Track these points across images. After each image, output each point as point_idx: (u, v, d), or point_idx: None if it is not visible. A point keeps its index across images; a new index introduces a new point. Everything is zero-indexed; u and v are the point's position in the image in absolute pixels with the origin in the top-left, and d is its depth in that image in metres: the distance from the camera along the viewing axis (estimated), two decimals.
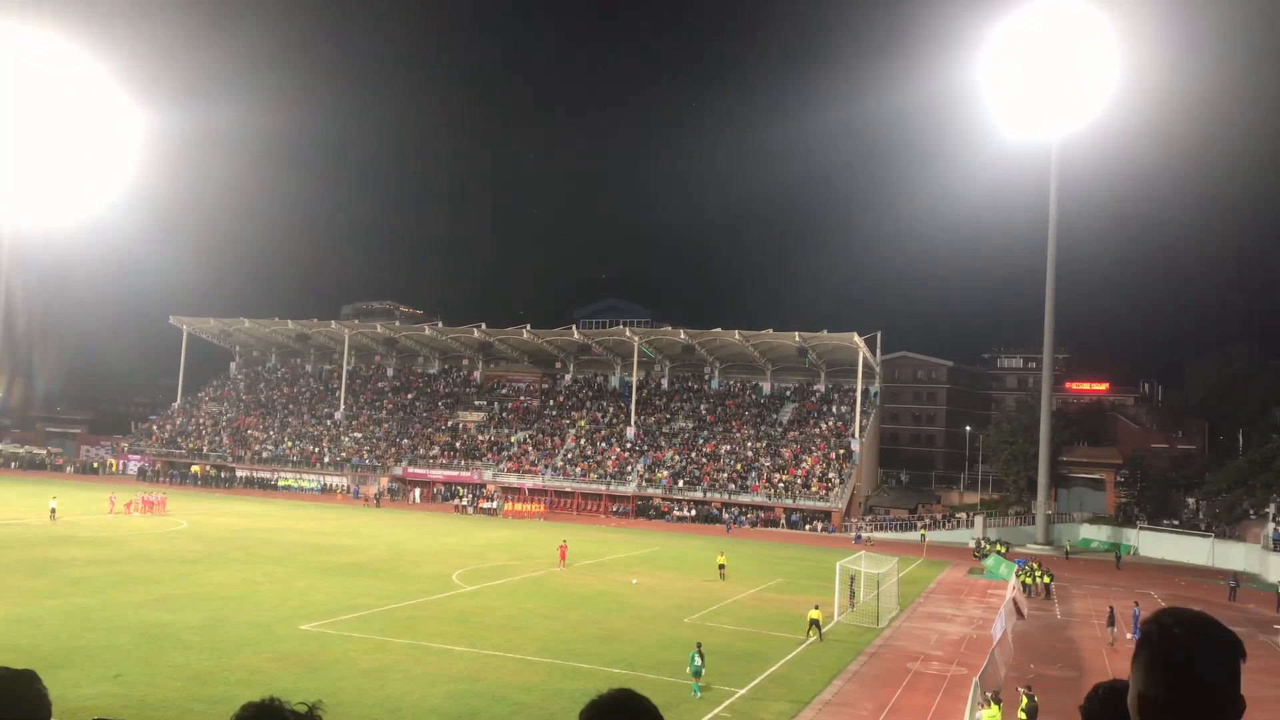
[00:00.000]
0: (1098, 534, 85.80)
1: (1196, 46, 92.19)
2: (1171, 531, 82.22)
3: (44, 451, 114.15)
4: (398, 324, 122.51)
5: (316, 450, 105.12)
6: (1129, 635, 38.02)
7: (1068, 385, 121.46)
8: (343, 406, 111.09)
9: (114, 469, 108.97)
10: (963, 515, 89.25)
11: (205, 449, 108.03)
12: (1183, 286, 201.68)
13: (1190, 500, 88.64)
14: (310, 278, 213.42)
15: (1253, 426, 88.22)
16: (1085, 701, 2.74)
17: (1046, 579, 52.74)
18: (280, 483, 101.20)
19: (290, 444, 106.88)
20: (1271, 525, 70.14)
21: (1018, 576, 50.29)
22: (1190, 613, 2.29)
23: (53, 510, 59.03)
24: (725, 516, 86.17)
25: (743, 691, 26.83)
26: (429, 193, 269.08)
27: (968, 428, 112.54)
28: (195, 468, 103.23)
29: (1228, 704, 2.18)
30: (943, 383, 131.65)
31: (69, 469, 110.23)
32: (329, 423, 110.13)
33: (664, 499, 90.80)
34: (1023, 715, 23.60)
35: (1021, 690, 24.60)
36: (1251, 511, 77.50)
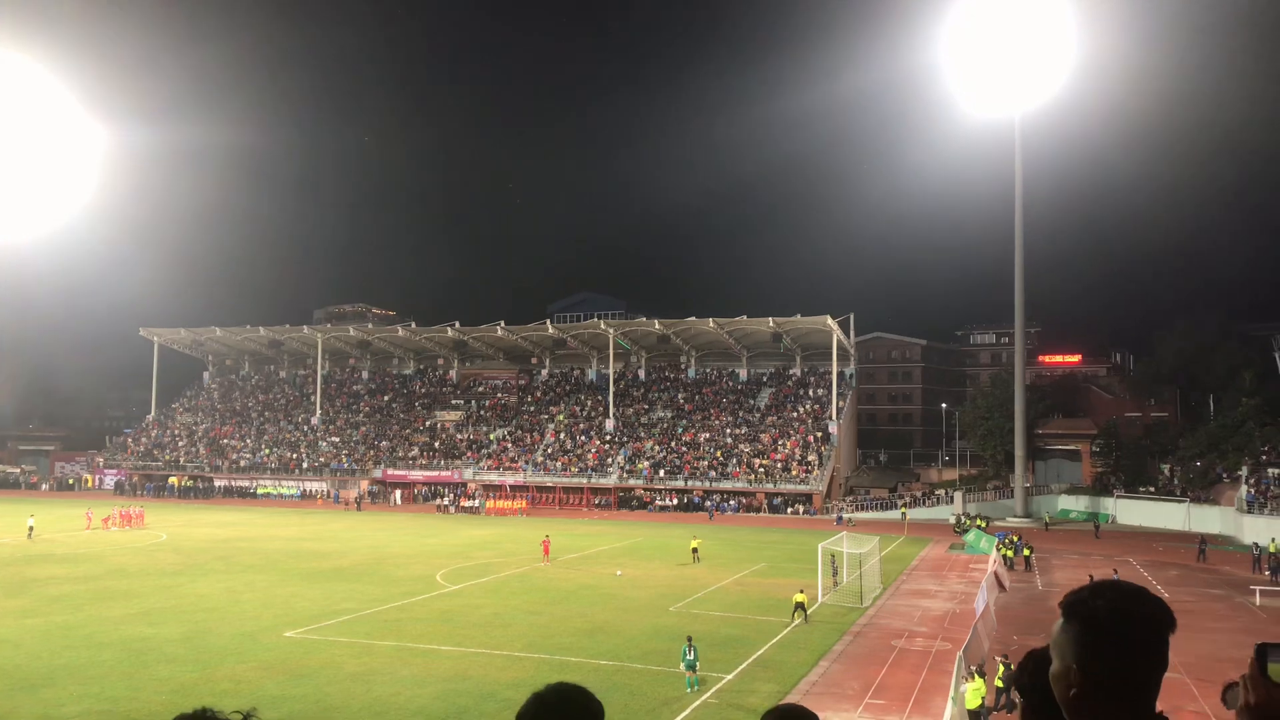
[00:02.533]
0: (1076, 504, 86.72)
1: (1151, 18, 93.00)
2: (1148, 499, 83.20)
3: (17, 470, 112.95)
4: (371, 326, 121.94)
5: (294, 456, 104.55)
6: None
7: (1041, 358, 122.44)
8: (319, 411, 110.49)
9: (90, 484, 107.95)
10: (942, 492, 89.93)
11: (182, 460, 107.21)
12: (1149, 256, 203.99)
13: (1165, 467, 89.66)
14: (281, 284, 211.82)
15: (1222, 391, 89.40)
16: (1017, 670, 2.79)
17: (1027, 551, 53.24)
18: (259, 490, 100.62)
19: (268, 451, 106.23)
20: (1244, 488, 71.18)
21: (998, 550, 50.75)
22: (1119, 585, 2.32)
23: (30, 528, 58.45)
24: (708, 504, 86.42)
25: (729, 677, 26.98)
26: (396, 194, 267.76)
27: (943, 405, 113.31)
28: (173, 479, 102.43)
29: (1154, 673, 2.24)
30: (917, 361, 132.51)
31: (44, 486, 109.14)
32: (306, 428, 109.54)
33: (645, 489, 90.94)
34: (1000, 684, 23.93)
35: (1000, 659, 24.93)
36: (1224, 475, 78.59)
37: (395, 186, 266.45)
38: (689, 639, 26.30)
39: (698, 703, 24.40)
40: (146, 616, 34.06)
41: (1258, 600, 42.08)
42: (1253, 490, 70.35)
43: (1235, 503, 71.79)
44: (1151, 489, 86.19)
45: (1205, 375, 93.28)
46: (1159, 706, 2.29)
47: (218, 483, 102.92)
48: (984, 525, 67.89)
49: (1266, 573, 50.13)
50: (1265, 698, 2.07)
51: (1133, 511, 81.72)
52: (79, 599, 37.40)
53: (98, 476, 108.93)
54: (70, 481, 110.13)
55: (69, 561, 48.47)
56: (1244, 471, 73.03)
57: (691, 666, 25.51)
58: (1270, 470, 71.42)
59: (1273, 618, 38.13)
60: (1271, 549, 52.44)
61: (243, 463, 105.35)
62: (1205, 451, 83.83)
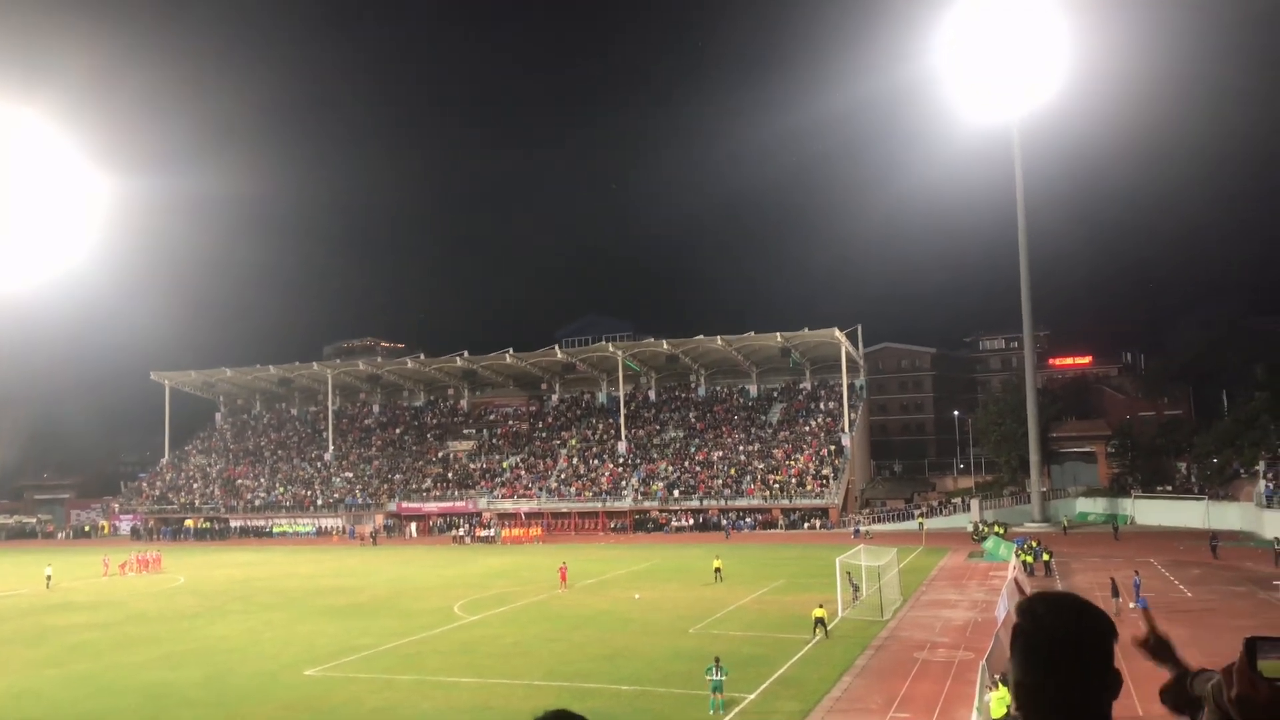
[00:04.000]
0: (1093, 506, 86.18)
1: (1147, 17, 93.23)
2: (1166, 498, 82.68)
3: (33, 519, 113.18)
4: (380, 360, 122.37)
5: (309, 493, 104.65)
6: (1131, 605, 38.20)
7: (1051, 361, 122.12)
8: (331, 447, 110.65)
9: (106, 531, 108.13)
10: (958, 500, 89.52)
11: (197, 502, 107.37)
12: (1154, 255, 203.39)
13: (1181, 465, 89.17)
14: (289, 322, 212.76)
15: (1235, 386, 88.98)
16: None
17: (1046, 556, 52.89)
18: (275, 529, 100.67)
19: (282, 489, 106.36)
20: (1263, 482, 70.65)
21: (1017, 556, 50.46)
22: (1058, 597, 2.32)
23: (48, 578, 58.50)
24: (723, 522, 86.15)
25: (752, 696, 26.80)
26: (399, 228, 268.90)
27: (956, 412, 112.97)
28: (189, 522, 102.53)
29: (1099, 685, 2.23)
30: (927, 370, 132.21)
31: (60, 535, 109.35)
32: (319, 465, 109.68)
33: (661, 511, 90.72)
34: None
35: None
36: (1242, 471, 78.04)
37: (398, 220, 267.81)
38: (716, 659, 25.85)
39: None
40: (167, 660, 34.04)
41: None
42: (1271, 485, 69.81)
43: (1254, 498, 71.23)
44: (1169, 488, 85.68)
45: (1217, 371, 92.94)
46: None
47: (233, 523, 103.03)
48: (1002, 532, 67.48)
49: None
50: (1248, 690, 2.09)
51: (1151, 511, 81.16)
52: (99, 646, 37.40)
53: (114, 522, 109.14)
54: (86, 529, 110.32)
55: (87, 609, 48.49)
56: (1261, 466, 72.51)
57: (719, 688, 25.18)
58: None
59: None
60: None
61: (258, 502, 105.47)
62: (1221, 448, 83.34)
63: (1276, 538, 55.52)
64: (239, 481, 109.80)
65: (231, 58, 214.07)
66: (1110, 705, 2.24)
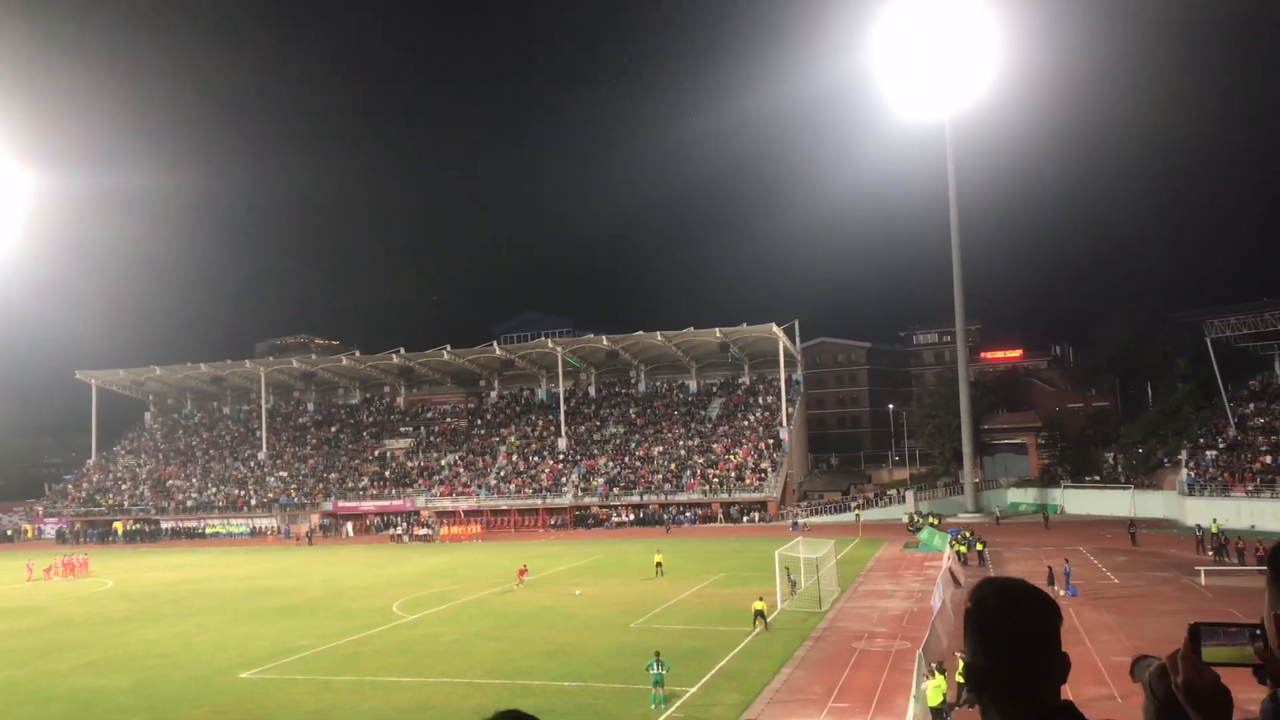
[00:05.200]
0: (1025, 497, 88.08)
1: (1071, 20, 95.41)
2: (1094, 487, 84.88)
3: None
4: (314, 357, 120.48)
5: (242, 494, 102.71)
6: (1062, 593, 39.14)
7: (983, 355, 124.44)
8: (265, 446, 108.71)
9: (30, 534, 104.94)
10: (894, 492, 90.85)
11: (126, 504, 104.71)
12: (1082, 250, 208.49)
13: (1109, 455, 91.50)
14: (220, 319, 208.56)
15: (1159, 379, 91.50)
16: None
17: (980, 546, 53.95)
18: (208, 530, 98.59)
19: (215, 490, 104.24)
20: (1185, 471, 72.86)
21: (952, 546, 51.25)
22: (1006, 583, 2.39)
23: None
24: (664, 517, 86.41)
25: (694, 690, 26.94)
26: (332, 224, 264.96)
27: (891, 406, 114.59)
28: (117, 524, 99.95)
29: (1046, 667, 2.30)
30: (863, 364, 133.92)
31: None
32: (253, 464, 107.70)
33: (601, 507, 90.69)
34: (960, 679, 24.16)
35: (959, 655, 25.15)
36: (1165, 460, 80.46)
37: (333, 216, 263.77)
38: (656, 654, 25.96)
39: (663, 718, 24.33)
40: (95, 667, 33.18)
41: (1203, 580, 43.04)
42: (1192, 473, 72.03)
43: (1177, 486, 73.45)
44: (1097, 477, 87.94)
45: (1142, 363, 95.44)
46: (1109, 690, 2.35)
47: (164, 525, 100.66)
48: (936, 523, 68.67)
49: (1210, 553, 51.32)
50: (1192, 676, 2.15)
51: (1080, 500, 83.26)
52: (23, 654, 36.30)
53: (37, 526, 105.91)
54: (9, 533, 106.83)
55: (10, 615, 47.04)
56: (1183, 455, 74.77)
57: (660, 682, 25.28)
58: (1208, 453, 73.20)
59: (1218, 597, 39.02)
60: (1214, 530, 53.72)
61: (189, 503, 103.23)
62: (1146, 438, 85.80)
63: (1198, 524, 57.34)
64: (170, 482, 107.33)
65: (162, 50, 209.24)
66: (1058, 687, 2.30)
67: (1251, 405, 76.27)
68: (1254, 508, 64.88)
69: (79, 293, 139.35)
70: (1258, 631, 2.21)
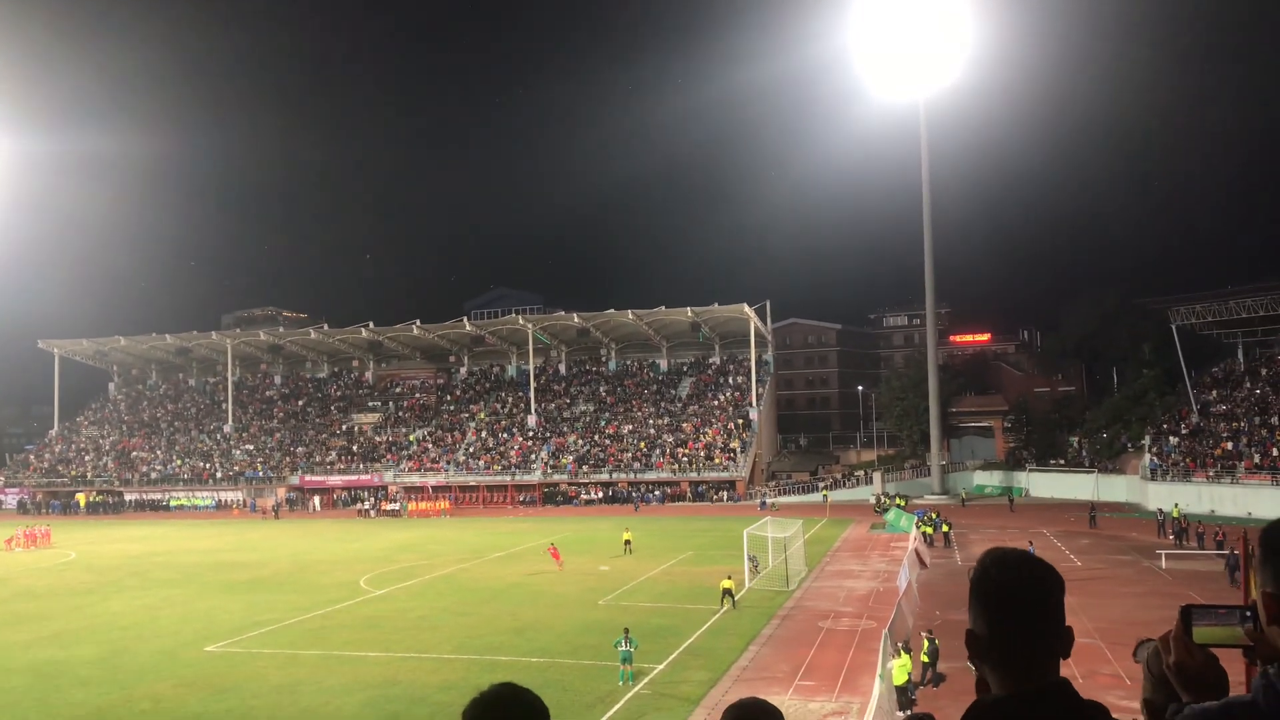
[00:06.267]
0: (990, 479, 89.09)
1: (1046, 4, 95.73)
2: (1058, 471, 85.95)
3: None
4: (282, 330, 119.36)
5: (208, 466, 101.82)
6: None
7: (951, 338, 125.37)
8: (231, 419, 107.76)
9: None
10: (861, 473, 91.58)
11: (89, 475, 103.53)
12: (1051, 235, 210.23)
13: (1074, 439, 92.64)
14: (187, 290, 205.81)
15: (1124, 364, 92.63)
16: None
17: (946, 528, 54.50)
18: (173, 503, 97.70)
19: (180, 462, 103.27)
20: (1148, 456, 73.90)
21: (918, 527, 51.85)
22: (1010, 553, 2.38)
23: None
24: (633, 495, 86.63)
25: (661, 667, 27.06)
26: (302, 195, 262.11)
27: (860, 387, 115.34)
28: (80, 496, 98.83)
29: (1052, 637, 2.29)
30: (833, 345, 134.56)
31: None
32: (218, 437, 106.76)
33: (570, 484, 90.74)
34: (925, 659, 24.48)
35: (924, 634, 25.47)
36: (1129, 445, 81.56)
37: (302, 187, 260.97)
38: (625, 631, 26.07)
39: (630, 694, 24.43)
40: (57, 639, 32.83)
41: (1164, 564, 43.74)
42: (1155, 458, 73.07)
43: (1140, 471, 74.53)
44: (1062, 461, 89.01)
45: (1108, 349, 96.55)
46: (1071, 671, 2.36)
47: (128, 496, 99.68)
48: (903, 504, 69.29)
49: (1171, 537, 52.13)
50: (1184, 657, 2.19)
51: (1045, 484, 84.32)
52: None
53: None
54: None
55: None
56: (1147, 440, 75.82)
57: (628, 659, 25.38)
58: (1171, 439, 74.28)
59: (1178, 580, 39.65)
60: (1175, 514, 54.60)
61: (154, 475, 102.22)
62: (1110, 423, 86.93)
63: (1160, 509, 58.22)
64: (134, 454, 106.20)
65: (124, 12, 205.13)
66: (1058, 659, 2.28)
67: (1214, 392, 77.43)
68: (1214, 493, 66.03)
69: (42, 260, 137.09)
70: (1248, 613, 2.22)
